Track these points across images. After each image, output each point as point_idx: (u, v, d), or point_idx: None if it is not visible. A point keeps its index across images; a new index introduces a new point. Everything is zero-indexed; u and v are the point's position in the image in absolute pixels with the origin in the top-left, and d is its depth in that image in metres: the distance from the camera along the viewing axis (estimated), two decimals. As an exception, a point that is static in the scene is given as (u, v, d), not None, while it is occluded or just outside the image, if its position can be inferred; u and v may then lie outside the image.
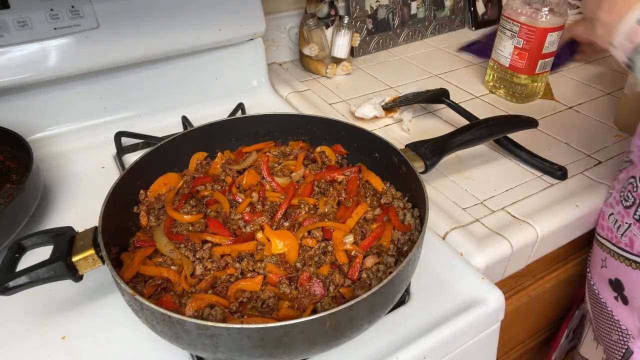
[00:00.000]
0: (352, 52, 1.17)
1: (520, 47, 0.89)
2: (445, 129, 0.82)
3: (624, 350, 0.65)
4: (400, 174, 0.61)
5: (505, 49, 0.92)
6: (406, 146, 0.64)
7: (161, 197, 0.61)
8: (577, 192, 0.71)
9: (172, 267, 0.51)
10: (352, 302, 0.40)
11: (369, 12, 1.16)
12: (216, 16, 0.87)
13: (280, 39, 1.14)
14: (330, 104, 0.97)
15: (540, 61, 0.90)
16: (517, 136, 0.77)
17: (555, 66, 0.98)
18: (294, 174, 0.64)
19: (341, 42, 1.03)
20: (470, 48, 1.18)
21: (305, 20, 1.02)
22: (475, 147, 0.75)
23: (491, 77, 0.99)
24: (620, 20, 0.53)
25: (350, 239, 0.53)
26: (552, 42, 0.88)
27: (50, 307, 0.54)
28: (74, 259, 0.47)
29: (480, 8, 1.34)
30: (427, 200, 0.53)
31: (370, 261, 0.52)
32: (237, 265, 0.51)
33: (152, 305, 0.40)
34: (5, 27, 0.71)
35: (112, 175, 0.74)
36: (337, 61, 1.08)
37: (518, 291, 0.78)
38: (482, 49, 1.14)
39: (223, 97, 0.93)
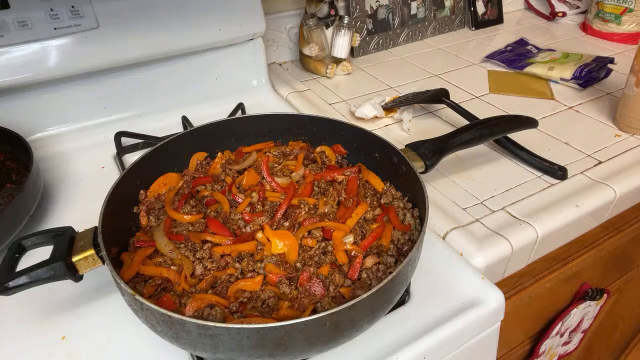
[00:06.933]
0: (352, 52, 1.17)
1: None
2: (445, 129, 0.82)
3: None
4: (400, 174, 0.61)
5: None
6: (406, 146, 0.64)
7: (161, 197, 0.61)
8: (577, 192, 0.71)
9: (172, 267, 0.51)
10: (352, 302, 0.40)
11: (369, 12, 1.16)
12: (216, 16, 0.87)
13: (280, 39, 1.14)
14: (330, 104, 0.97)
15: None
16: (517, 136, 0.77)
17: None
18: (294, 174, 0.64)
19: (341, 42, 1.03)
20: (498, 57, 1.13)
21: (305, 20, 1.02)
22: (476, 147, 0.75)
23: None
24: None
25: (350, 239, 0.53)
26: None
27: (50, 307, 0.54)
28: (74, 259, 0.47)
29: (480, 8, 1.34)
30: (427, 200, 0.53)
31: (370, 261, 0.52)
32: (237, 265, 0.51)
33: (152, 305, 0.40)
34: (5, 27, 0.71)
35: (112, 175, 0.74)
36: (337, 61, 1.08)
37: (518, 291, 0.78)
38: (510, 60, 1.11)
39: (223, 97, 0.93)
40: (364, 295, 0.40)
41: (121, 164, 0.78)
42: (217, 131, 0.68)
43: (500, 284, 0.59)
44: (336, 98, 1.00)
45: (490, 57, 1.14)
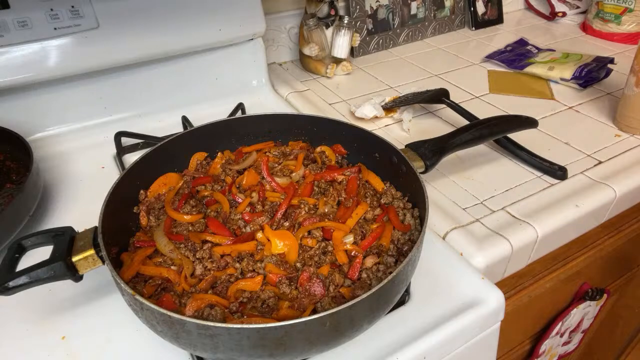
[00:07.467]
0: (352, 52, 1.17)
1: None
2: (445, 129, 0.82)
3: None
4: (400, 174, 0.61)
5: None
6: (406, 146, 0.64)
7: (161, 197, 0.61)
8: (577, 192, 0.71)
9: (172, 267, 0.51)
10: (352, 302, 0.40)
11: (369, 12, 1.16)
12: (216, 16, 0.87)
13: (280, 39, 1.14)
14: (330, 104, 0.97)
15: None
16: (517, 136, 0.77)
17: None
18: (294, 174, 0.64)
19: (341, 42, 1.03)
20: (498, 57, 1.13)
21: (305, 20, 1.02)
22: (475, 147, 0.75)
23: None
24: None
25: (350, 239, 0.53)
26: None
27: (50, 307, 0.54)
28: (74, 259, 0.47)
29: (480, 8, 1.34)
30: (427, 200, 0.53)
31: (370, 261, 0.52)
32: (237, 265, 0.51)
33: (152, 305, 0.40)
34: (5, 27, 0.71)
35: (112, 175, 0.74)
36: (337, 61, 1.08)
37: (518, 291, 0.78)
38: (510, 60, 1.11)
39: (223, 97, 0.93)
40: (364, 295, 0.40)
41: (121, 164, 0.78)
42: (217, 131, 0.68)
43: (500, 284, 0.59)
44: (336, 98, 1.00)
45: (490, 57, 1.14)
